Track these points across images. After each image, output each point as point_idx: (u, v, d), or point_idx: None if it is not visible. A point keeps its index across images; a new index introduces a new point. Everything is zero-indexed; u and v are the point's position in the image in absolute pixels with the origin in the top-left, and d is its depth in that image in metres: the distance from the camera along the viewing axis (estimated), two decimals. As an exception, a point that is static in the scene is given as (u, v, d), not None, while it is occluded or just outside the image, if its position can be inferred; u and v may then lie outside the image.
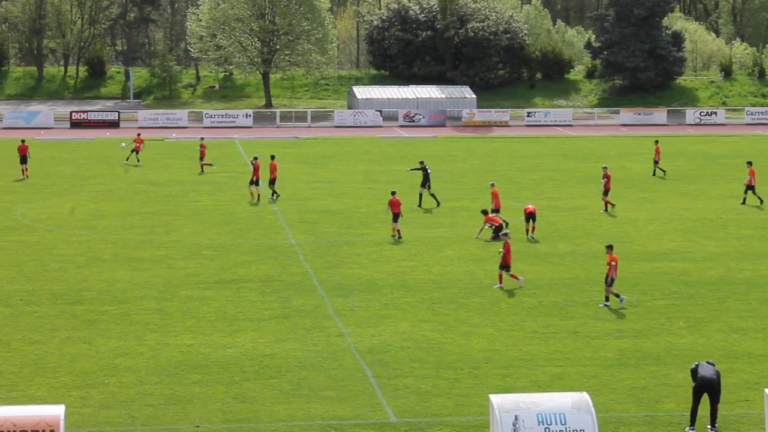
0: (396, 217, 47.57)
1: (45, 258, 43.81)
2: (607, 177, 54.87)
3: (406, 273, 41.37)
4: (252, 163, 58.54)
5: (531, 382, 29.27)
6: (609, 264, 36.46)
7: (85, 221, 51.83)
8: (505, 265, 39.14)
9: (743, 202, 56.51)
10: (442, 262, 43.22)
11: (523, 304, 37.08)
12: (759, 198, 56.55)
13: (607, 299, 36.82)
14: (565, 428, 22.20)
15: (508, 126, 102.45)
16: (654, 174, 67.31)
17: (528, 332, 33.82)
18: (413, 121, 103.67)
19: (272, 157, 59.29)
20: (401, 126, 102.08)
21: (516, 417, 22.25)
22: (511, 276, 39.31)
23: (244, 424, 26.34)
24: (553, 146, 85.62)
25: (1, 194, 59.50)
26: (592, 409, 22.61)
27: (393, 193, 48.00)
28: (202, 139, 74.21)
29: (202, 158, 69.91)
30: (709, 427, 25.91)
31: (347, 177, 66.29)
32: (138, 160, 72.62)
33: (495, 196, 50.21)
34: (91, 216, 53.19)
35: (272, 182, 58.05)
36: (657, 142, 69.78)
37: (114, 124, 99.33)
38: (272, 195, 57.97)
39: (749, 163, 57.56)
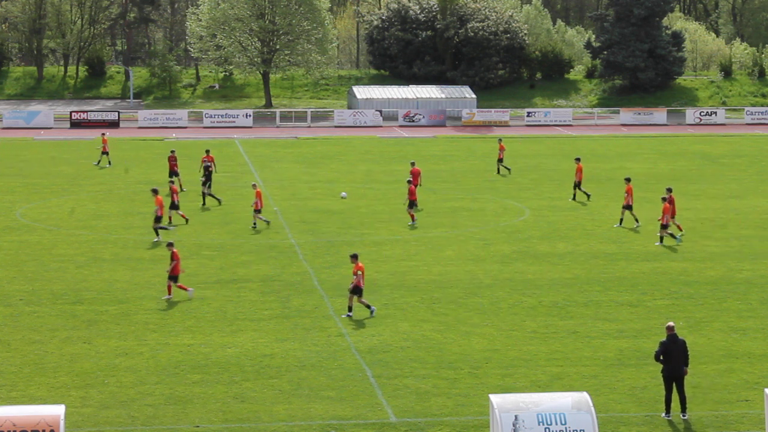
0: (172, 204, 50.69)
1: (45, 258, 43.80)
2: (415, 173, 55.52)
3: (406, 273, 41.37)
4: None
5: (531, 382, 29.27)
6: (355, 273, 35.15)
7: (85, 221, 51.82)
8: (173, 276, 37.40)
9: (573, 198, 57.71)
10: (442, 262, 43.20)
11: (523, 304, 37.08)
12: (585, 193, 57.88)
13: (350, 309, 35.52)
14: (565, 428, 22.21)
15: (508, 126, 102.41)
16: (498, 172, 67.73)
17: (528, 332, 33.82)
18: (413, 121, 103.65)
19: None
20: (401, 126, 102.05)
21: (516, 417, 22.26)
22: (179, 287, 37.53)
23: (244, 424, 26.34)
24: (553, 146, 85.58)
25: (1, 194, 59.48)
26: (592, 409, 22.61)
27: (171, 182, 52.60)
28: None
29: None
30: (681, 415, 26.62)
31: (347, 177, 66.24)
32: (108, 162, 71.20)
33: (258, 196, 49.92)
34: (91, 216, 53.17)
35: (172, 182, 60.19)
36: (500, 140, 70.92)
37: (114, 124, 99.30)
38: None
39: (577, 160, 58.77)
